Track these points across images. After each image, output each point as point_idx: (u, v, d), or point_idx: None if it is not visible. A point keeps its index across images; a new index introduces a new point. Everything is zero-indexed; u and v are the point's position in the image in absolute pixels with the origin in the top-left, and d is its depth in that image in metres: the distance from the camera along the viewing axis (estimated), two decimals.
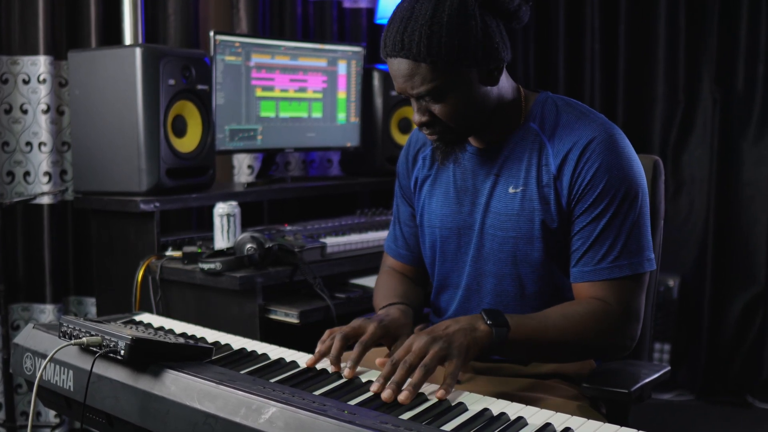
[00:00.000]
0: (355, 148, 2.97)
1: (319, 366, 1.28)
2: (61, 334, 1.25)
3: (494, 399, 1.16)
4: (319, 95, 2.83)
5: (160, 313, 2.13)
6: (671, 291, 3.25)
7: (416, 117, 1.38)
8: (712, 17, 3.15)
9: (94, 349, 1.20)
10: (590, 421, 1.07)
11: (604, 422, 1.06)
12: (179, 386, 1.13)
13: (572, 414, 1.10)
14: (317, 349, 1.29)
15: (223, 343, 1.42)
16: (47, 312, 2.55)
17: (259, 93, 2.65)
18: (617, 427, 1.03)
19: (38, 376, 1.24)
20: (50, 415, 2.58)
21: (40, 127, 2.50)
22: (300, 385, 1.20)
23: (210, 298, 2.10)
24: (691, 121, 3.26)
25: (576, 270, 1.39)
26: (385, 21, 3.09)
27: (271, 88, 2.68)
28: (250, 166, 2.99)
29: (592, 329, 1.33)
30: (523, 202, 1.41)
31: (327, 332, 1.32)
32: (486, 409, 1.11)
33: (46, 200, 2.52)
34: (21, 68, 2.50)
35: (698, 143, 3.25)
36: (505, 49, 1.35)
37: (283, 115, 2.74)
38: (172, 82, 2.25)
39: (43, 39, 2.47)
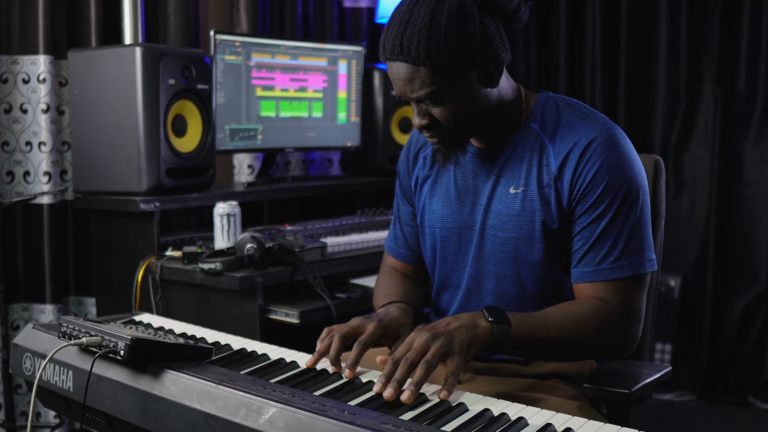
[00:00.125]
0: (356, 148, 2.97)
1: (319, 366, 1.28)
2: (60, 335, 1.24)
3: (495, 399, 1.16)
4: (320, 95, 2.83)
5: (160, 313, 2.13)
6: (672, 291, 3.25)
7: (416, 120, 1.37)
8: (713, 17, 3.15)
9: (94, 349, 1.19)
10: (591, 421, 1.07)
11: (605, 422, 1.06)
12: (179, 386, 1.13)
13: (573, 414, 1.10)
14: (316, 349, 1.29)
15: (223, 343, 1.42)
16: (47, 312, 2.55)
17: (260, 92, 2.64)
18: (618, 427, 1.03)
19: (38, 376, 1.23)
20: (50, 416, 2.58)
21: (39, 126, 2.50)
22: (300, 385, 1.19)
23: (210, 298, 2.10)
24: (692, 121, 3.26)
25: (577, 270, 1.38)
26: (385, 20, 3.09)
27: (271, 88, 2.68)
28: (250, 166, 2.99)
29: (593, 328, 1.33)
30: (523, 203, 1.40)
31: (325, 330, 1.32)
32: (486, 410, 1.10)
33: (46, 200, 2.52)
34: (21, 68, 2.49)
35: (699, 143, 3.25)
36: (505, 51, 1.34)
37: (283, 114, 2.73)
38: (172, 81, 2.25)
39: (42, 38, 2.47)
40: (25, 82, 2.49)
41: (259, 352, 1.36)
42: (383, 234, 2.37)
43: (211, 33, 2.48)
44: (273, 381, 1.20)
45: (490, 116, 1.39)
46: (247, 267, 2.03)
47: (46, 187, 2.51)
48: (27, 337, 1.39)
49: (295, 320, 1.99)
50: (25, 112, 2.51)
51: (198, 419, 1.08)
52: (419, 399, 1.15)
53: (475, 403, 1.14)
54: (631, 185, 1.35)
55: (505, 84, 1.41)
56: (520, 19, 1.35)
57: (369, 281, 2.23)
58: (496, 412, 1.09)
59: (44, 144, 2.50)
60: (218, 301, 2.08)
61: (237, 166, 3.01)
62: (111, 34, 2.62)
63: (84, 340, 1.20)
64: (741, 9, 3.11)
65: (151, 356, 1.18)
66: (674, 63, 3.25)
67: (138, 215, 2.25)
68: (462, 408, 1.12)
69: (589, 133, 1.37)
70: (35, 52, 2.48)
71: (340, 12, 3.29)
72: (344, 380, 1.23)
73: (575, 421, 1.07)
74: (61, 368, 1.28)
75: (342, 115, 2.91)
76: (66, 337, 1.23)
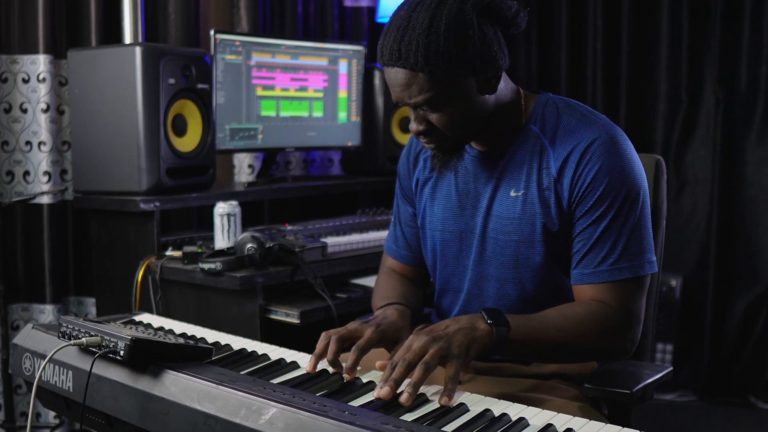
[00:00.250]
0: (356, 148, 2.96)
1: (319, 367, 1.27)
2: (60, 335, 1.24)
3: (496, 400, 1.15)
4: (320, 94, 2.82)
5: (160, 314, 2.12)
6: (674, 291, 3.24)
7: (413, 126, 1.37)
8: (714, 17, 3.15)
9: (94, 349, 1.19)
10: (592, 421, 1.06)
11: (606, 423, 1.06)
12: (179, 387, 1.13)
13: (574, 415, 1.10)
14: (314, 352, 1.28)
15: (223, 343, 1.42)
16: (47, 312, 2.55)
17: (260, 92, 2.64)
18: (619, 428, 1.03)
19: (37, 376, 1.23)
20: (50, 416, 2.58)
21: (39, 126, 2.50)
22: (300, 385, 1.19)
23: (210, 298, 2.09)
24: (693, 120, 3.25)
25: (576, 272, 1.38)
26: (386, 20, 3.09)
27: (271, 87, 2.67)
28: (250, 166, 2.98)
29: (592, 330, 1.32)
30: (524, 206, 1.40)
31: (323, 335, 1.31)
32: (487, 410, 1.10)
33: (45, 200, 2.52)
34: (20, 67, 2.49)
35: (701, 143, 3.25)
36: (503, 57, 1.34)
37: (283, 114, 2.73)
38: (172, 81, 2.24)
39: (42, 38, 2.46)
40: (25, 81, 2.49)
41: (260, 353, 1.36)
42: (384, 234, 2.37)
43: (212, 32, 2.48)
44: (273, 381, 1.20)
45: (488, 121, 1.39)
46: (248, 267, 2.03)
47: (45, 187, 2.51)
48: (27, 337, 1.39)
49: (296, 320, 1.99)
50: (24, 111, 2.50)
51: (198, 420, 1.08)
52: (420, 399, 1.15)
53: (476, 403, 1.14)
54: (631, 187, 1.35)
55: (504, 88, 1.40)
56: (518, 26, 1.35)
57: (369, 281, 2.23)
58: (496, 413, 1.09)
59: (44, 144, 2.50)
60: (218, 301, 2.08)
61: (237, 166, 3.01)
62: (111, 34, 2.62)
63: (84, 340, 1.19)
64: (742, 9, 3.11)
65: (151, 356, 1.18)
66: (675, 63, 3.24)
67: (138, 215, 2.24)
68: (463, 408, 1.11)
69: (588, 135, 1.36)
70: (35, 51, 2.47)
71: (340, 11, 3.28)
72: (345, 381, 1.22)
73: (576, 422, 1.07)
74: (61, 368, 1.28)
75: (342, 115, 2.91)
76: (66, 337, 1.23)
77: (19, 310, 2.57)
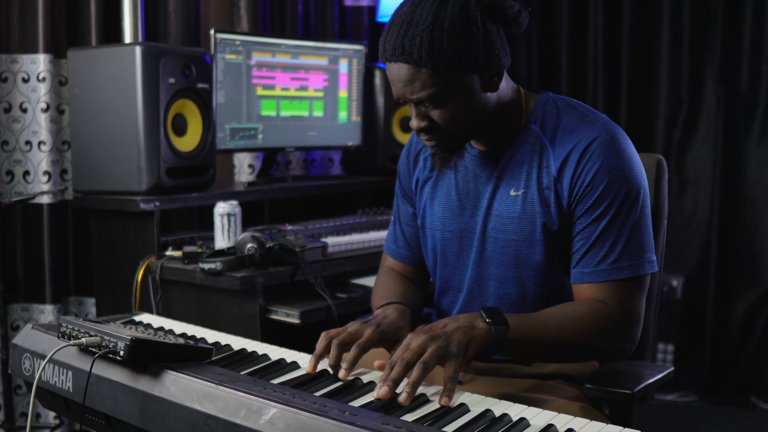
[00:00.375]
0: (357, 147, 2.96)
1: (319, 367, 1.27)
2: (60, 335, 1.24)
3: (496, 400, 1.15)
4: (321, 94, 2.82)
5: (160, 314, 2.12)
6: (675, 291, 3.24)
7: (414, 122, 1.36)
8: (715, 16, 3.14)
9: (94, 349, 1.19)
10: (593, 422, 1.06)
11: (607, 423, 1.05)
12: (179, 387, 1.12)
13: (575, 415, 1.10)
14: (314, 353, 1.28)
15: (223, 343, 1.42)
16: (47, 312, 2.54)
17: (260, 91, 2.64)
18: (620, 428, 1.02)
19: (37, 376, 1.23)
20: (50, 416, 2.57)
21: (39, 126, 2.49)
22: (301, 386, 1.19)
23: (210, 298, 2.09)
24: (694, 120, 3.25)
25: (576, 271, 1.38)
26: (386, 19, 3.08)
27: (272, 87, 2.67)
28: (250, 165, 2.98)
29: (592, 330, 1.32)
30: (524, 205, 1.40)
31: (323, 334, 1.31)
32: (488, 410, 1.10)
33: (45, 200, 2.51)
34: (20, 66, 2.49)
35: (702, 143, 3.24)
36: (506, 55, 1.34)
37: (284, 113, 2.72)
38: (172, 80, 2.24)
39: (42, 37, 2.46)
40: (25, 81, 2.49)
41: (260, 353, 1.35)
42: (384, 234, 2.36)
43: (212, 32, 2.47)
44: (273, 382, 1.20)
45: (489, 120, 1.39)
46: (248, 267, 2.02)
47: (45, 187, 2.51)
48: (26, 337, 1.39)
49: (296, 320, 1.99)
50: (24, 111, 2.50)
51: (198, 420, 1.08)
52: (420, 400, 1.14)
53: (477, 403, 1.13)
54: (631, 186, 1.34)
55: (505, 86, 1.40)
56: (520, 25, 1.35)
57: (370, 281, 2.22)
58: (497, 413, 1.09)
59: (44, 143, 2.49)
60: (218, 301, 2.08)
61: (237, 166, 3.01)
62: (111, 33, 2.61)
63: (83, 340, 1.19)
64: (743, 8, 3.11)
65: (151, 356, 1.17)
66: (677, 62, 3.24)
67: (138, 215, 2.24)
68: (463, 409, 1.11)
69: (588, 134, 1.36)
70: (35, 50, 2.47)
71: (341, 11, 3.28)
72: (345, 381, 1.22)
73: (577, 422, 1.06)
74: (61, 369, 1.28)
75: (343, 115, 2.90)
76: (65, 337, 1.23)
77: (19, 310, 2.57)
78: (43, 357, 1.32)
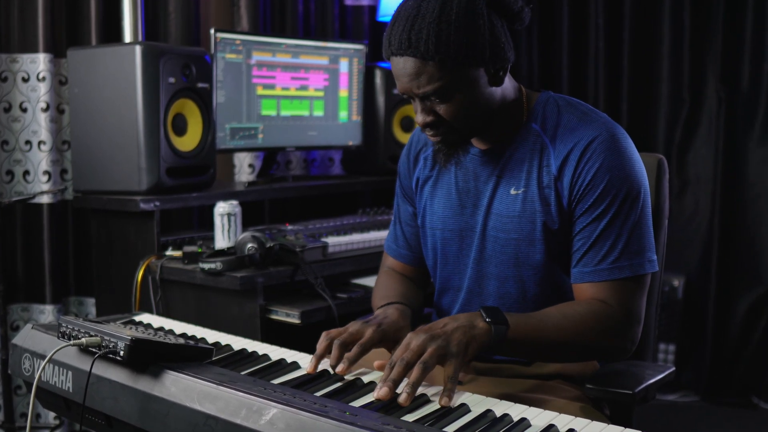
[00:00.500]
0: (357, 147, 2.96)
1: (319, 367, 1.27)
2: (60, 335, 1.24)
3: (497, 400, 1.15)
4: (321, 93, 2.82)
5: (160, 314, 2.12)
6: (676, 291, 3.23)
7: (420, 117, 1.36)
8: (717, 15, 3.14)
9: (94, 349, 1.19)
10: (594, 422, 1.06)
11: (608, 423, 1.05)
12: (179, 387, 1.12)
13: (576, 415, 1.10)
14: (315, 353, 1.27)
15: (223, 343, 1.41)
16: (47, 312, 2.54)
17: (260, 91, 2.63)
18: (621, 428, 1.02)
19: (37, 377, 1.22)
20: (50, 417, 2.57)
21: (39, 125, 2.49)
22: (301, 386, 1.19)
23: (210, 298, 2.09)
24: (696, 120, 3.25)
25: (576, 270, 1.37)
26: (387, 18, 3.08)
27: (272, 86, 2.67)
28: (251, 165, 2.98)
29: (592, 329, 1.31)
30: (524, 204, 1.40)
31: (324, 334, 1.31)
32: (489, 411, 1.10)
33: (45, 199, 2.51)
34: (20, 66, 2.49)
35: (703, 142, 3.24)
36: (510, 50, 1.34)
37: (284, 113, 2.72)
38: (172, 80, 2.24)
39: (42, 37, 2.46)
40: (25, 80, 2.49)
41: (260, 353, 1.35)
42: (385, 233, 2.35)
43: (212, 31, 2.47)
44: (274, 382, 1.19)
45: (493, 115, 1.38)
46: (248, 267, 2.02)
47: (45, 187, 2.51)
48: (26, 337, 1.38)
49: (296, 320, 1.98)
50: (24, 110, 2.50)
51: (198, 420, 1.07)
52: (421, 400, 1.14)
53: (478, 404, 1.13)
54: (632, 185, 1.34)
55: (508, 84, 1.40)
56: (523, 21, 1.35)
57: (370, 281, 2.22)
58: (498, 413, 1.09)
59: (44, 143, 2.49)
60: (219, 301, 2.07)
61: (237, 166, 3.00)
62: (111, 33, 2.61)
63: (83, 340, 1.19)
64: (745, 7, 3.10)
65: (151, 357, 1.17)
66: (678, 61, 3.24)
67: (138, 215, 2.24)
68: (464, 409, 1.11)
69: (589, 133, 1.36)
70: (35, 50, 2.47)
71: (341, 10, 3.28)
72: (346, 381, 1.22)
73: (578, 422, 1.06)
74: (61, 369, 1.27)
75: (343, 114, 2.90)
76: (65, 337, 1.22)
77: (19, 311, 2.57)
78: (43, 357, 1.32)
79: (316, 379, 1.22)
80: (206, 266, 2.01)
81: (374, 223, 2.49)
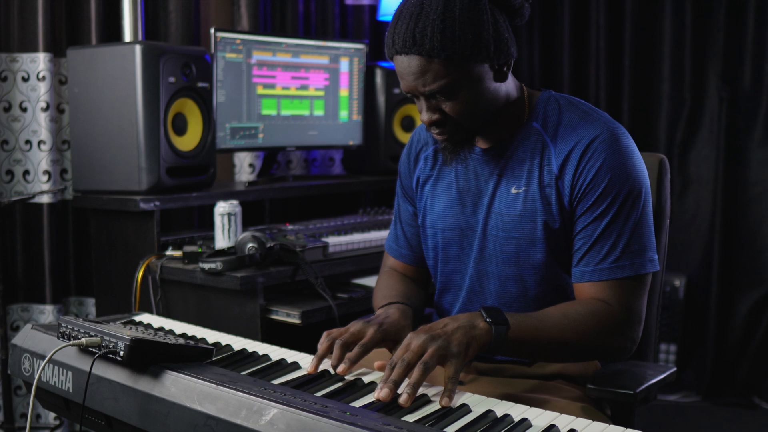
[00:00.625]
0: (358, 147, 2.95)
1: (320, 367, 1.26)
2: (59, 335, 1.23)
3: (498, 400, 1.15)
4: (321, 93, 2.81)
5: (160, 314, 2.11)
6: (677, 291, 3.23)
7: (425, 116, 1.35)
8: (718, 14, 3.14)
9: (93, 350, 1.18)
10: (595, 422, 1.06)
11: (609, 424, 1.05)
12: (179, 387, 1.12)
13: (577, 415, 1.10)
14: (316, 353, 1.27)
15: (223, 343, 1.41)
16: (47, 312, 2.54)
17: (261, 91, 2.63)
18: (622, 428, 1.02)
19: (36, 377, 1.22)
20: (49, 417, 2.57)
21: (39, 125, 2.49)
22: (302, 386, 1.18)
23: (210, 298, 2.08)
24: (697, 119, 3.24)
25: (577, 270, 1.37)
26: (387, 18, 3.08)
27: (272, 86, 2.66)
28: (251, 165, 2.98)
29: (592, 329, 1.31)
30: (525, 203, 1.39)
31: (325, 334, 1.31)
32: (490, 411, 1.09)
33: (45, 199, 2.51)
34: (20, 66, 2.48)
35: (704, 142, 3.24)
36: (513, 44, 1.34)
37: (284, 113, 2.72)
38: (172, 79, 2.23)
39: (42, 36, 2.45)
40: (25, 80, 2.48)
41: (260, 353, 1.35)
42: (385, 233, 2.36)
43: (212, 31, 2.46)
44: (274, 382, 1.19)
45: (497, 112, 1.38)
46: (248, 267, 2.02)
47: (45, 186, 2.50)
48: (26, 337, 1.38)
49: (297, 320, 1.98)
50: (24, 110, 2.50)
51: (198, 420, 1.07)
52: (421, 400, 1.14)
53: (478, 404, 1.13)
54: (633, 184, 1.34)
55: (510, 82, 1.40)
56: (523, 16, 1.35)
57: (371, 281, 2.22)
58: (499, 414, 1.09)
59: (44, 143, 2.49)
60: (219, 301, 2.07)
61: (238, 165, 3.00)
62: (111, 32, 2.61)
63: (83, 340, 1.19)
64: (746, 6, 3.10)
65: (151, 357, 1.17)
66: (679, 61, 3.23)
67: (138, 214, 2.23)
68: (465, 409, 1.10)
69: (590, 132, 1.36)
70: (35, 49, 2.46)
71: (341, 9, 3.27)
72: (346, 382, 1.21)
73: (579, 423, 1.06)
74: (61, 369, 1.27)
75: (344, 114, 2.90)
76: (65, 337, 1.22)
77: (19, 311, 2.56)
78: (42, 357, 1.32)
79: (316, 379, 1.22)
80: (206, 266, 2.00)
81: (375, 223, 2.48)
